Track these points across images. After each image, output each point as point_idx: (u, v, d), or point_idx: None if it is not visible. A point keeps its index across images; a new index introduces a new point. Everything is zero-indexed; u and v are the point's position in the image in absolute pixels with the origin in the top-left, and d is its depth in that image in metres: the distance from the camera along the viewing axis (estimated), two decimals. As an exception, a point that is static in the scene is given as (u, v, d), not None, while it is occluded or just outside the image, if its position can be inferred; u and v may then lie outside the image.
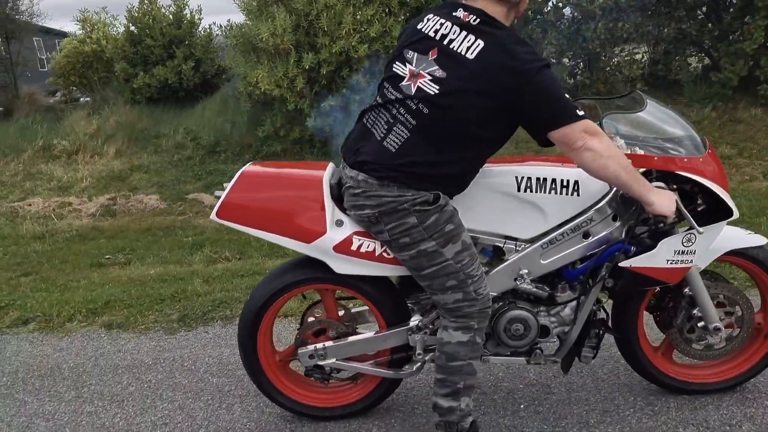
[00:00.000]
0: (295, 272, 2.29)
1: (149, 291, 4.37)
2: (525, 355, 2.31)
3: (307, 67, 6.72)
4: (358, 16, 6.44)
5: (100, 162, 8.85)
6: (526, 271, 2.18)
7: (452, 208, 2.01)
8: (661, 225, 1.98)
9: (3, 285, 5.14)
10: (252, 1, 7.24)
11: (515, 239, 2.20)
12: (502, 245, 2.20)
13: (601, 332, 2.30)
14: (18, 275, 5.37)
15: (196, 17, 9.86)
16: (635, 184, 1.90)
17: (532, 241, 2.19)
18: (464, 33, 1.91)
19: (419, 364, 2.33)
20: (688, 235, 2.07)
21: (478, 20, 1.91)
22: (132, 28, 9.53)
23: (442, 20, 1.96)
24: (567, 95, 1.85)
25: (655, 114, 2.18)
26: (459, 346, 2.03)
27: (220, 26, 9.49)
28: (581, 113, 1.85)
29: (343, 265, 2.15)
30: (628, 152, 2.07)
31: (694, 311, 2.28)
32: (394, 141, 1.95)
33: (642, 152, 2.09)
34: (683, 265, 2.10)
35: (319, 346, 2.33)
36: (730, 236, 2.25)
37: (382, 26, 6.46)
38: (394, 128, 1.96)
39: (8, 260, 5.79)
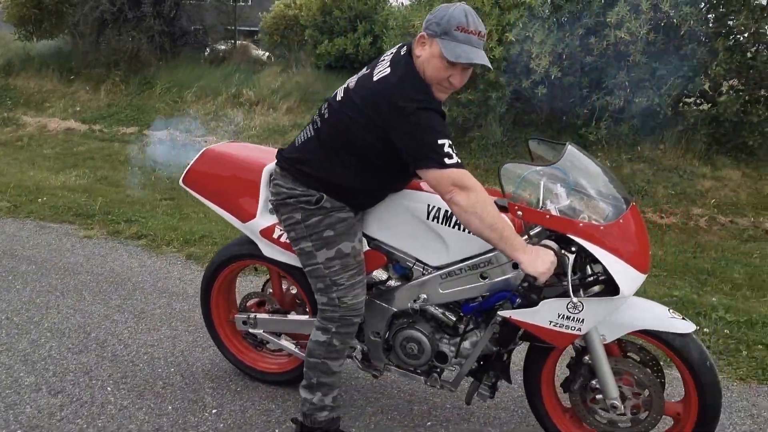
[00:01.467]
0: (245, 246, 2.62)
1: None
2: (424, 375, 2.40)
3: (447, 59, 6.85)
4: (503, 20, 6.39)
5: (272, 115, 9.95)
6: (425, 296, 2.26)
7: (343, 216, 2.16)
8: (525, 284, 1.93)
9: (147, 204, 6.26)
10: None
11: (424, 264, 2.28)
12: (412, 266, 2.30)
13: (495, 376, 2.30)
14: (161, 199, 6.47)
15: (385, -4, 10.42)
16: (500, 243, 1.90)
17: (439, 268, 2.25)
18: (388, 60, 2.06)
19: None
20: (574, 302, 1.99)
21: (403, 53, 2.04)
22: (327, -1, 10.40)
23: (395, 48, 2.12)
24: (443, 141, 1.89)
25: (571, 169, 2.09)
26: (316, 344, 2.21)
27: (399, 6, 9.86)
28: (451, 162, 1.89)
29: (267, 249, 2.44)
30: (552, 205, 2.02)
31: (593, 381, 2.17)
32: (302, 137, 2.19)
33: (553, 207, 2.03)
34: (569, 331, 2.03)
35: (252, 315, 2.65)
36: (648, 314, 2.09)
37: (523, 30, 6.33)
38: (309, 126, 2.18)
39: (161, 186, 6.97)
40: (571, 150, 2.13)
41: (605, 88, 6.81)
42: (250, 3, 14.60)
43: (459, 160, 1.93)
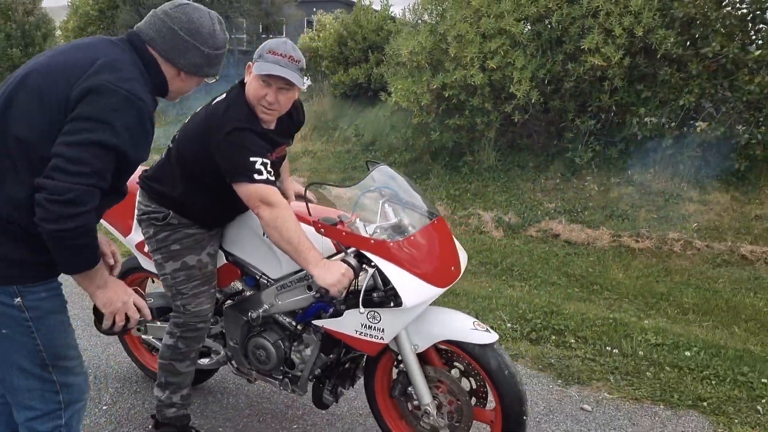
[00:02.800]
0: (135, 260, 2.92)
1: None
2: (278, 380, 2.60)
3: (433, 87, 7.08)
4: (484, 47, 6.57)
5: (287, 142, 10.39)
6: (266, 306, 2.48)
7: (190, 232, 2.41)
8: (317, 295, 2.12)
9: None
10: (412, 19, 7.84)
11: (267, 276, 2.51)
12: (259, 278, 2.53)
13: (334, 383, 2.48)
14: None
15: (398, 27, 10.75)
16: (295, 255, 2.10)
17: (277, 280, 2.47)
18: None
19: (212, 358, 2.78)
20: (373, 312, 2.16)
21: (238, 82, 2.31)
22: (342, 31, 10.84)
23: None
24: (254, 159, 2.13)
25: (394, 188, 2.28)
26: (165, 347, 2.46)
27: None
28: (260, 178, 2.11)
29: (143, 261, 2.73)
30: (361, 224, 2.22)
31: (409, 388, 2.32)
32: (159, 159, 2.46)
33: (361, 226, 2.22)
34: (374, 340, 2.19)
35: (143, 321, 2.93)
36: (453, 325, 2.23)
37: (504, 58, 6.48)
38: (166, 149, 2.44)
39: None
40: (384, 169, 2.32)
41: (589, 112, 6.84)
42: (284, 35, 15.32)
43: (269, 177, 2.14)
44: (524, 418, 2.21)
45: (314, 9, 13.11)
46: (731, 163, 6.36)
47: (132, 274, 2.98)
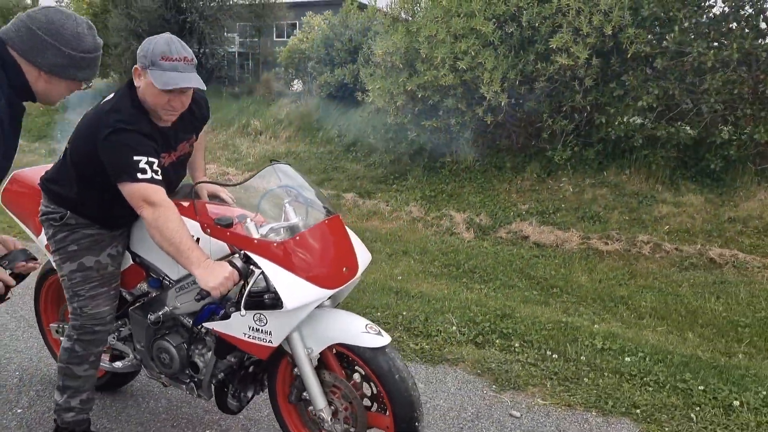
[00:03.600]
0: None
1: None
2: (185, 383, 2.55)
3: (408, 88, 7.03)
4: (455, 48, 6.50)
5: (272, 143, 10.39)
6: (168, 308, 2.43)
7: (89, 232, 2.37)
8: (199, 297, 2.06)
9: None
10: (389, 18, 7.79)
11: (168, 277, 2.46)
12: (162, 279, 2.49)
13: (237, 387, 2.43)
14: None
15: (386, 26, 10.71)
16: (178, 256, 2.05)
17: (177, 282, 2.42)
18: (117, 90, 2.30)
19: (126, 361, 2.74)
20: (259, 315, 2.11)
21: (126, 83, 2.27)
22: (329, 32, 10.82)
23: None
24: (138, 158, 2.08)
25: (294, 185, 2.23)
26: (62, 350, 2.42)
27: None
28: (143, 177, 2.07)
29: (54, 263, 2.69)
30: (252, 224, 2.17)
31: (305, 393, 2.26)
32: (58, 160, 2.42)
33: (252, 226, 2.17)
34: (263, 343, 2.14)
35: (62, 324, 2.90)
36: (344, 328, 2.17)
37: (474, 58, 6.41)
38: (65, 149, 2.41)
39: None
40: (284, 168, 2.27)
41: (563, 113, 6.75)
42: (273, 39, 15.37)
43: (153, 176, 2.09)
44: (416, 424, 2.15)
45: (305, 13, 13.14)
46: (707, 163, 6.26)
47: (52, 275, 2.95)
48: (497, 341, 3.80)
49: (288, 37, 14.52)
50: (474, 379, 3.35)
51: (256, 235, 2.11)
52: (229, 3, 13.61)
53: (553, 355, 3.55)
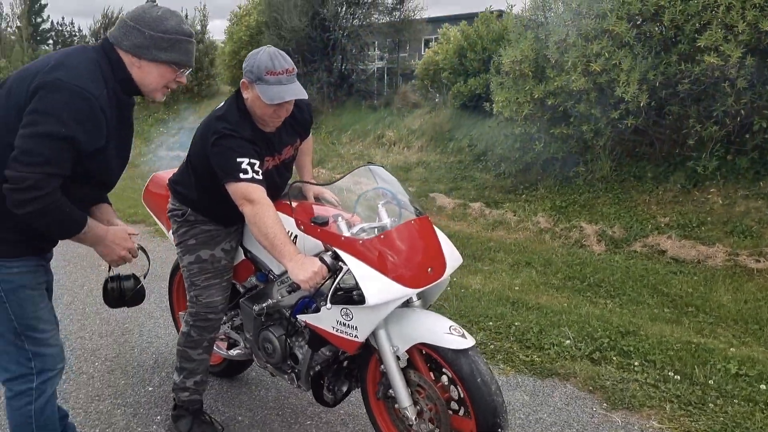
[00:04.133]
0: (182, 255, 3.20)
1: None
2: (287, 374, 2.71)
3: (536, 96, 6.84)
4: (587, 50, 6.22)
5: (405, 153, 10.60)
6: (270, 300, 2.60)
7: (206, 228, 2.60)
8: (290, 289, 2.18)
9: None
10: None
11: (272, 271, 2.63)
12: (267, 273, 2.67)
13: (331, 381, 2.53)
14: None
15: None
16: (272, 250, 2.19)
17: (280, 276, 2.58)
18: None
19: (239, 349, 2.97)
20: (346, 309, 2.18)
21: (234, 93, 2.49)
22: (462, 42, 10.83)
23: None
24: (241, 160, 2.27)
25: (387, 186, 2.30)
26: (181, 333, 2.67)
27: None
28: (245, 177, 2.25)
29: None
30: (342, 222, 2.27)
31: (391, 390, 2.30)
32: (181, 164, 2.70)
33: (343, 223, 2.26)
34: (349, 338, 2.21)
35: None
36: (429, 328, 2.17)
37: (607, 60, 6.09)
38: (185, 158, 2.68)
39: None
40: (377, 170, 2.34)
41: (714, 118, 6.17)
42: (407, 53, 15.68)
43: (254, 176, 2.27)
44: (499, 430, 2.09)
45: (441, 25, 13.26)
46: None
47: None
48: (615, 358, 3.56)
49: (424, 50, 14.76)
50: (584, 396, 3.18)
51: (346, 233, 2.19)
52: (370, 20, 14.14)
53: (677, 377, 3.26)
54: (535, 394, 3.20)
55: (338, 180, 2.38)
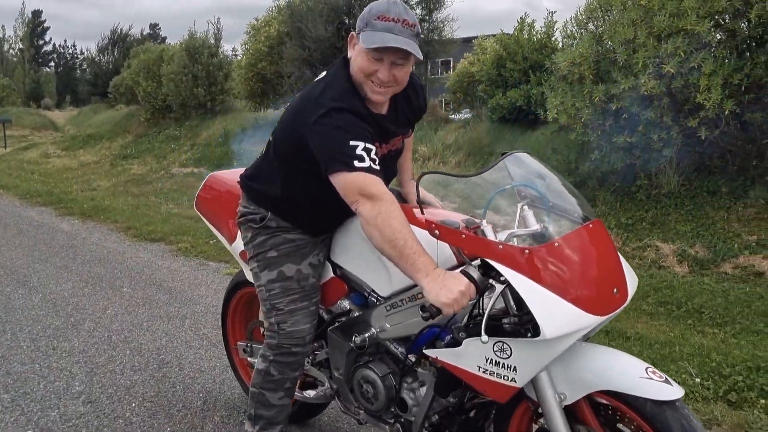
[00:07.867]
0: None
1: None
2: (389, 424, 2.11)
3: (596, 99, 6.28)
4: (660, 50, 5.66)
5: (441, 169, 10.02)
6: (374, 330, 2.01)
7: (290, 237, 2.05)
8: (426, 314, 1.59)
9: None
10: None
11: (376, 293, 2.05)
12: (368, 295, 2.08)
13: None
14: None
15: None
16: (400, 261, 1.62)
17: (388, 299, 2.00)
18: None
19: (319, 390, 2.37)
20: (501, 344, 1.59)
21: (340, 59, 1.95)
22: (501, 52, 10.30)
23: None
24: (355, 143, 1.71)
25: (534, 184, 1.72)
26: (256, 372, 2.07)
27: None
28: (361, 166, 1.68)
29: (247, 272, 2.41)
30: (489, 227, 1.69)
31: (552, 451, 1.69)
32: (257, 158, 2.14)
33: (489, 229, 1.68)
34: (503, 381, 1.62)
35: (249, 344, 2.61)
36: (616, 371, 1.58)
37: (682, 62, 5.51)
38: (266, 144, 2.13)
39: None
40: (522, 158, 1.77)
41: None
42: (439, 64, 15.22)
43: (372, 165, 1.71)
44: None
45: (471, 41, 12.81)
46: None
47: (241, 288, 2.69)
48: (760, 401, 2.93)
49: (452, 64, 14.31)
50: (741, 451, 2.55)
51: (501, 239, 1.61)
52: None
53: None
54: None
55: (480, 173, 1.79)
